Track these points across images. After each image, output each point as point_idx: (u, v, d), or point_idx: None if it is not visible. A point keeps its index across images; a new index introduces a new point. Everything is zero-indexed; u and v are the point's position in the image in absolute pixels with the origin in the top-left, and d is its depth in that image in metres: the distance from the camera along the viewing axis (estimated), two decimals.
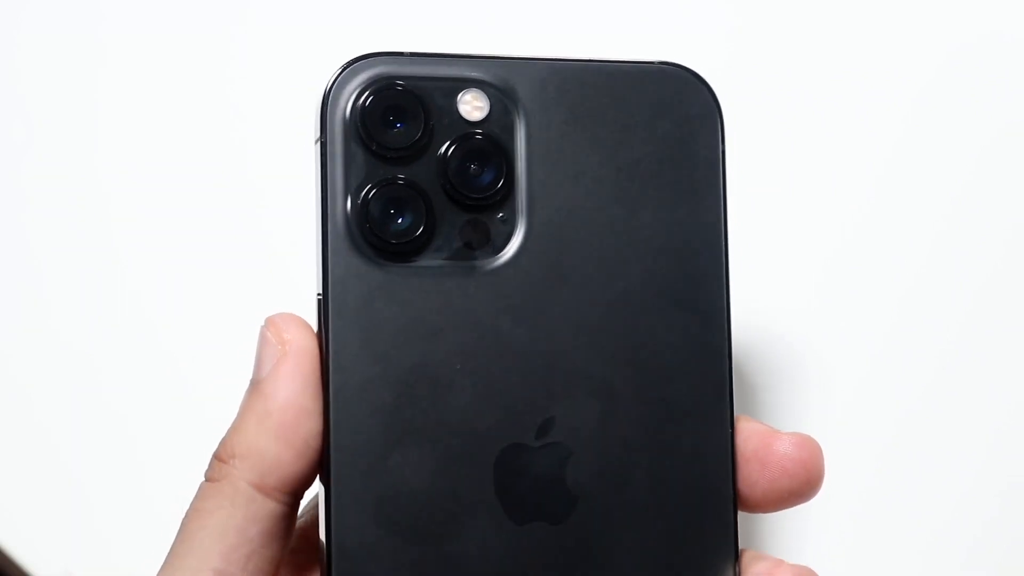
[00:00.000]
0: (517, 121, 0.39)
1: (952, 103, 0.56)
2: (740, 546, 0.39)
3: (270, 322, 0.39)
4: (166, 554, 0.38)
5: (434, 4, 0.57)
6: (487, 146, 0.39)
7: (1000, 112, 0.56)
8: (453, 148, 0.39)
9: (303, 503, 0.40)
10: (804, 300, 0.56)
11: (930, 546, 0.55)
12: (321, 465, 0.38)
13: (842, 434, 0.55)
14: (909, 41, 0.56)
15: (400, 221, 0.38)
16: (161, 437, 0.56)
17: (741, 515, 0.40)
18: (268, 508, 0.37)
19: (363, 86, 0.38)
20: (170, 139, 0.57)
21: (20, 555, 0.55)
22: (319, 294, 0.38)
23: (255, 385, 0.38)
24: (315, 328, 0.38)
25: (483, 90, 0.39)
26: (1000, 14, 0.57)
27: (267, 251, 0.56)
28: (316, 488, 0.38)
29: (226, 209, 0.57)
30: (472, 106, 0.39)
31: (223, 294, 0.56)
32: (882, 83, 0.56)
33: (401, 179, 0.38)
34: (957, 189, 0.56)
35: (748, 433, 0.39)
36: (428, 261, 0.38)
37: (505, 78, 0.39)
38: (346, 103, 0.38)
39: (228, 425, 0.39)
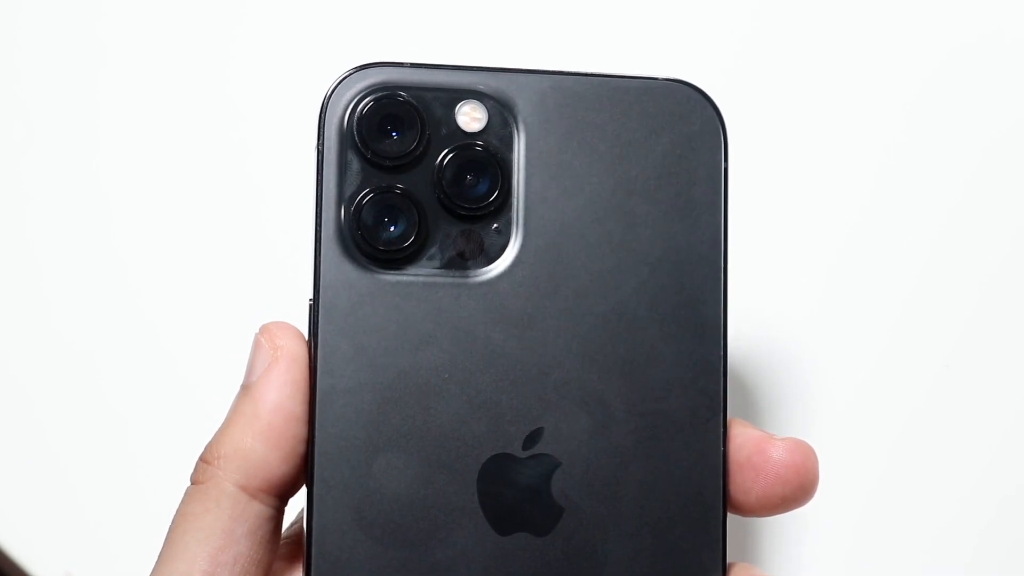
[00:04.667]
0: (515, 133, 0.39)
1: (954, 105, 0.56)
2: (732, 558, 0.39)
3: (264, 329, 0.39)
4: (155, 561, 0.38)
5: (441, 13, 0.57)
6: (483, 157, 0.39)
7: (1001, 113, 0.56)
8: (449, 158, 0.39)
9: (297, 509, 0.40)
10: (807, 310, 0.55)
11: (930, 553, 0.55)
12: (305, 469, 0.38)
13: (841, 442, 0.55)
14: (909, 42, 0.56)
15: (392, 229, 0.38)
16: (161, 438, 0.56)
17: (739, 522, 0.40)
18: (254, 509, 0.38)
19: (361, 94, 0.39)
20: (171, 140, 0.57)
21: (20, 555, 0.55)
22: (311, 299, 0.38)
23: (245, 389, 0.39)
24: (306, 333, 0.39)
25: (482, 102, 0.39)
26: (1000, 14, 0.57)
27: (269, 254, 0.57)
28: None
29: (227, 211, 0.57)
30: (470, 117, 0.39)
31: (224, 296, 0.56)
32: (882, 88, 0.56)
33: (395, 188, 0.38)
34: (959, 197, 0.56)
35: (742, 439, 0.39)
36: (420, 270, 0.39)
37: (505, 90, 0.39)
38: (343, 111, 0.39)
39: None
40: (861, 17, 0.57)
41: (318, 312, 0.38)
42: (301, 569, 0.39)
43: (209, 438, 0.39)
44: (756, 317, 0.55)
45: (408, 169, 0.39)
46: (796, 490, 0.39)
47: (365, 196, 0.38)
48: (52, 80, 0.58)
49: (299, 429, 0.38)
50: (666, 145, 0.39)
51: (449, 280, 0.39)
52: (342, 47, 0.57)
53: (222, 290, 0.57)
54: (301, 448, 0.38)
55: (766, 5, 0.57)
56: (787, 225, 0.56)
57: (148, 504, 0.55)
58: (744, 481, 0.39)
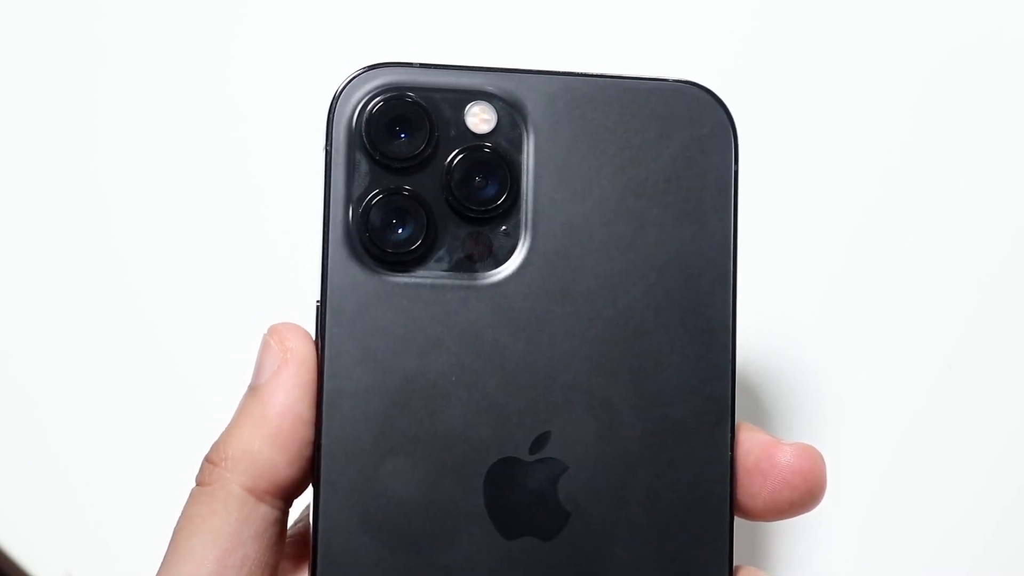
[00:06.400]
0: (525, 135, 0.39)
1: (954, 106, 0.56)
2: (738, 562, 0.39)
3: (273, 330, 0.39)
4: (160, 563, 0.38)
5: (450, 13, 0.57)
6: (492, 159, 0.39)
7: (1001, 113, 0.56)
8: (458, 160, 0.39)
9: (300, 509, 0.40)
10: (813, 314, 0.56)
11: (937, 555, 0.55)
12: (311, 471, 0.38)
13: (848, 446, 0.55)
14: (909, 42, 0.56)
15: (400, 231, 0.38)
16: (161, 438, 0.56)
17: (746, 526, 0.40)
18: (260, 512, 0.38)
19: (369, 95, 0.38)
20: (172, 140, 0.57)
21: (20, 555, 0.55)
22: (318, 301, 0.38)
23: (253, 390, 0.38)
24: (312, 334, 0.39)
25: (491, 103, 0.39)
26: (1000, 14, 0.57)
27: (269, 253, 0.56)
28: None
29: (228, 210, 0.57)
30: (479, 119, 0.39)
31: (224, 296, 0.56)
32: (883, 90, 0.56)
33: (403, 190, 0.38)
34: (961, 198, 0.56)
35: (750, 444, 0.39)
36: (428, 272, 0.38)
37: (514, 91, 0.39)
38: (352, 112, 0.38)
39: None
40: (862, 18, 0.57)
41: (325, 314, 0.38)
42: (307, 570, 0.39)
43: (209, 438, 0.39)
44: (764, 321, 0.55)
45: (416, 170, 0.38)
46: (804, 495, 0.39)
47: (373, 198, 0.38)
48: (52, 80, 0.58)
49: (307, 432, 0.38)
50: (676, 147, 0.39)
51: (457, 283, 0.38)
52: (347, 47, 0.57)
53: (222, 290, 0.56)
54: (308, 451, 0.38)
55: (768, 6, 0.57)
56: (789, 228, 0.56)
57: (148, 504, 0.55)
58: (751, 485, 0.39)
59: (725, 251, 0.39)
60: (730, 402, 0.39)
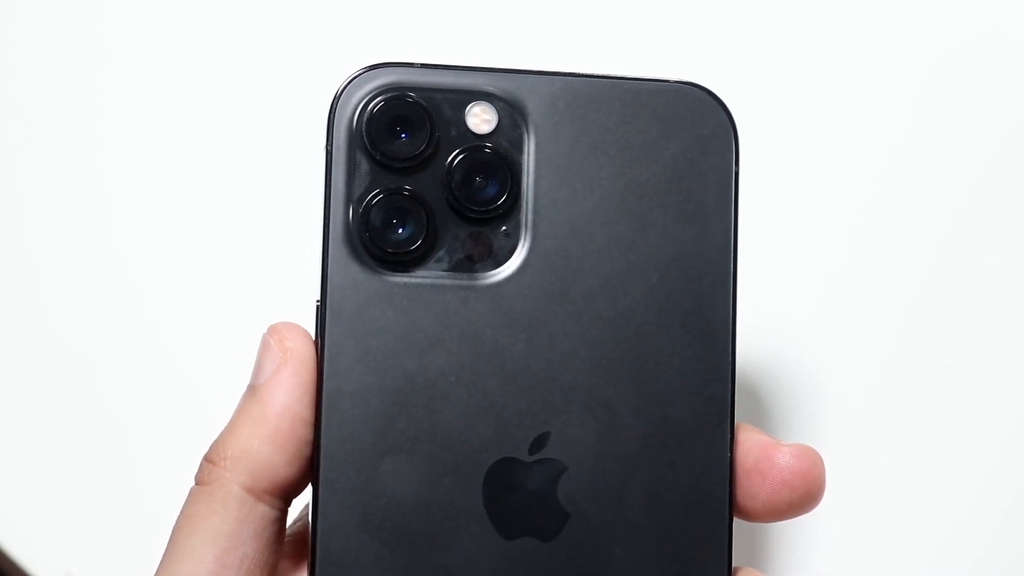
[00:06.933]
0: (525, 135, 0.39)
1: (954, 106, 0.56)
2: (737, 563, 0.39)
3: (273, 330, 0.39)
4: (159, 562, 0.38)
5: (451, 13, 0.57)
6: (493, 159, 0.39)
7: (1001, 113, 0.56)
8: (458, 160, 0.39)
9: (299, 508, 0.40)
10: (813, 315, 0.56)
11: (937, 556, 0.55)
12: (310, 471, 0.38)
13: (848, 447, 0.55)
14: (909, 42, 0.56)
15: (401, 231, 0.38)
16: (161, 438, 0.56)
17: (745, 527, 0.40)
18: (259, 511, 0.38)
19: (370, 95, 0.38)
20: (172, 140, 0.57)
21: (20, 555, 0.55)
22: (318, 300, 0.38)
23: (252, 390, 0.39)
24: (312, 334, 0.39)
25: (492, 103, 0.39)
26: (1000, 14, 0.57)
27: (269, 253, 0.56)
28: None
29: (228, 210, 0.57)
30: (480, 119, 0.39)
31: (223, 295, 0.56)
32: (883, 90, 0.56)
33: (404, 189, 0.38)
34: (961, 198, 0.56)
35: (749, 445, 0.39)
36: (428, 272, 0.38)
37: (515, 92, 0.39)
38: (353, 111, 0.38)
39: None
40: (862, 18, 0.57)
41: (325, 314, 0.38)
42: (306, 569, 0.39)
43: (208, 438, 0.39)
44: (764, 321, 0.55)
45: (417, 170, 0.39)
46: (803, 496, 0.39)
47: (374, 197, 0.38)
48: (52, 80, 0.58)
49: (306, 431, 0.38)
50: (677, 148, 0.39)
51: (457, 283, 0.38)
52: (347, 47, 0.57)
53: (222, 290, 0.56)
54: (307, 451, 0.38)
55: (768, 6, 0.57)
56: (789, 228, 0.56)
57: (148, 504, 0.55)
58: (751, 486, 0.39)
59: (726, 252, 0.39)
60: (730, 403, 0.39)
